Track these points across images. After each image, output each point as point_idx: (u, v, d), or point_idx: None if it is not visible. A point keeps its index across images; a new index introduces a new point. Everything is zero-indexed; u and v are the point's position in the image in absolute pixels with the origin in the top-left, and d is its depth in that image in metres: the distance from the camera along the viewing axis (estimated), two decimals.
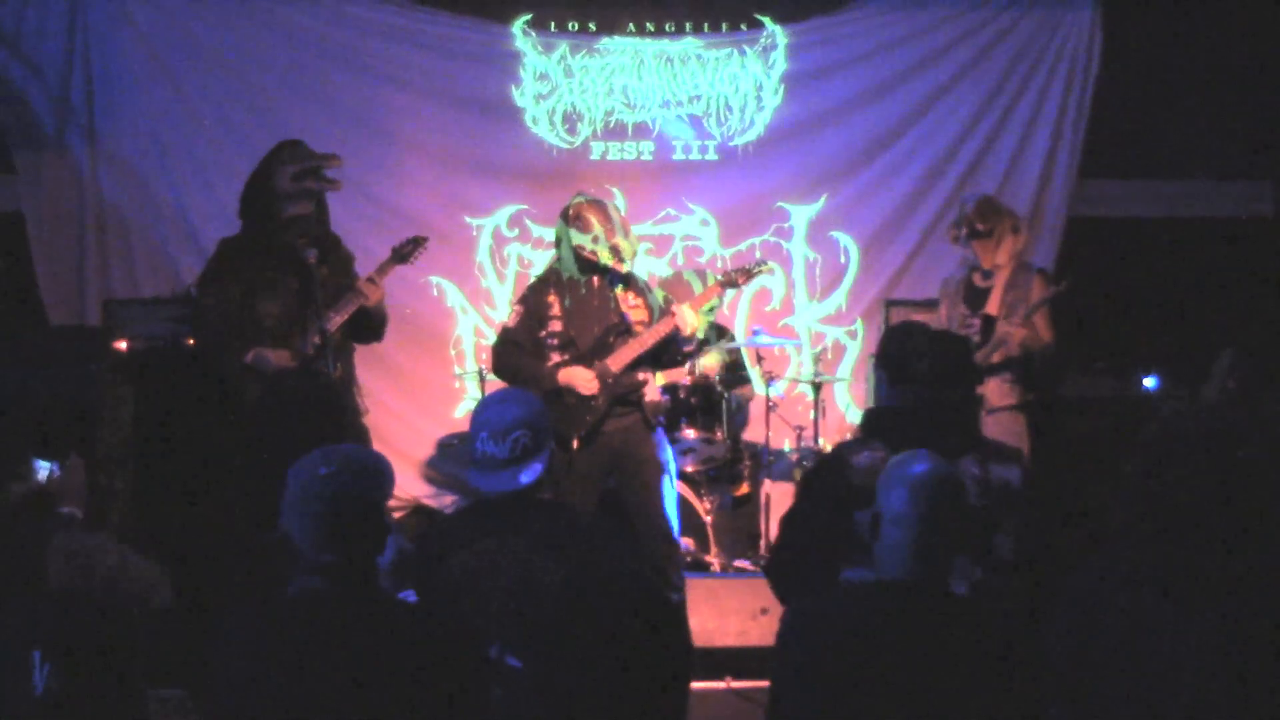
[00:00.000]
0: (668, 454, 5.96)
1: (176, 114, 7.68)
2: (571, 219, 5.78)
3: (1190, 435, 2.77)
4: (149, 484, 6.04)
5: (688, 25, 8.10)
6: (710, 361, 7.20)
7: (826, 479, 3.71)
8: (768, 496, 7.41)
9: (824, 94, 8.09)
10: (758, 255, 7.94)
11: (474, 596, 3.47)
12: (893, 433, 3.62)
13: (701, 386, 7.06)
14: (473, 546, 3.54)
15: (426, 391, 8.03)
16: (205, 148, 7.69)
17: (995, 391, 6.30)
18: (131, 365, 6.27)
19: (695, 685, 5.48)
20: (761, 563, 7.09)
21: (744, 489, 7.44)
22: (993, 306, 6.39)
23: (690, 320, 5.73)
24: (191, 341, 6.28)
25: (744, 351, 7.72)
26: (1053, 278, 6.58)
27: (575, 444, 5.70)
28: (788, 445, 7.66)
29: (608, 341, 5.76)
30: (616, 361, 5.72)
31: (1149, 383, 6.89)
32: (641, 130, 8.07)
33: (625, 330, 5.79)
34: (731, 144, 8.08)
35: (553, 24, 8.03)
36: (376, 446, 6.35)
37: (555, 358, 5.77)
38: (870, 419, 3.99)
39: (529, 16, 7.97)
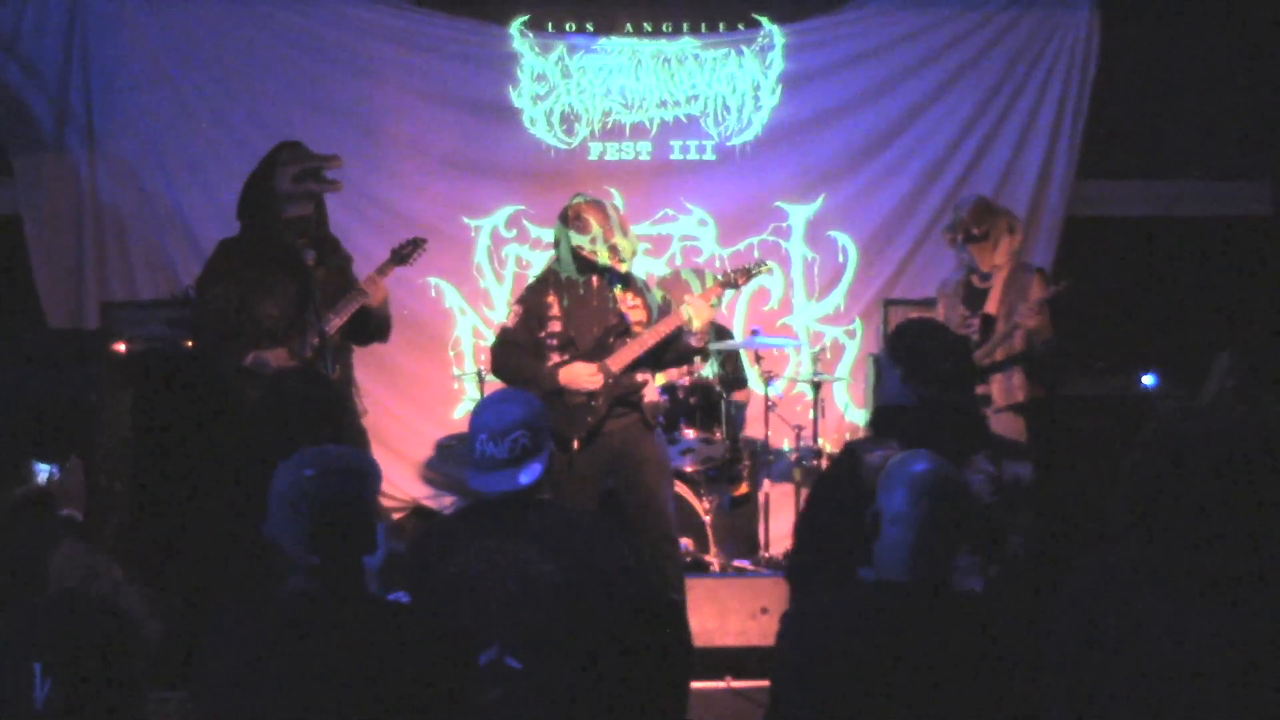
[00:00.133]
0: (667, 453, 5.98)
1: (174, 115, 7.68)
2: (570, 219, 5.78)
3: (1189, 435, 2.77)
4: (148, 485, 6.03)
5: (685, 25, 8.10)
6: (705, 373, 7.22)
7: (841, 478, 3.71)
8: (767, 496, 7.42)
9: (822, 94, 8.08)
10: (756, 255, 7.94)
11: (473, 597, 3.47)
12: (906, 431, 3.62)
13: (700, 387, 7.07)
14: (472, 547, 3.54)
15: (425, 392, 8.03)
16: (203, 149, 7.69)
17: (999, 390, 6.30)
18: (130, 367, 6.26)
19: (695, 685, 5.49)
20: (761, 562, 7.10)
21: (743, 489, 7.44)
22: (992, 306, 6.39)
23: (702, 313, 5.72)
24: (190, 343, 6.28)
25: (742, 351, 7.73)
26: (1051, 277, 6.58)
27: (576, 445, 5.70)
28: (787, 445, 7.66)
29: (607, 342, 5.76)
30: (617, 362, 5.71)
31: (1147, 382, 6.89)
32: (639, 130, 8.07)
33: (624, 331, 5.79)
34: (729, 144, 8.08)
35: (550, 25, 8.03)
36: (375, 447, 6.35)
37: (555, 358, 5.77)
38: (881, 417, 3.99)
39: (526, 17, 7.97)
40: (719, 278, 6.09)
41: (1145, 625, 2.68)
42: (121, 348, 6.29)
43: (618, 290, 5.81)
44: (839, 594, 3.13)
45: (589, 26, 8.07)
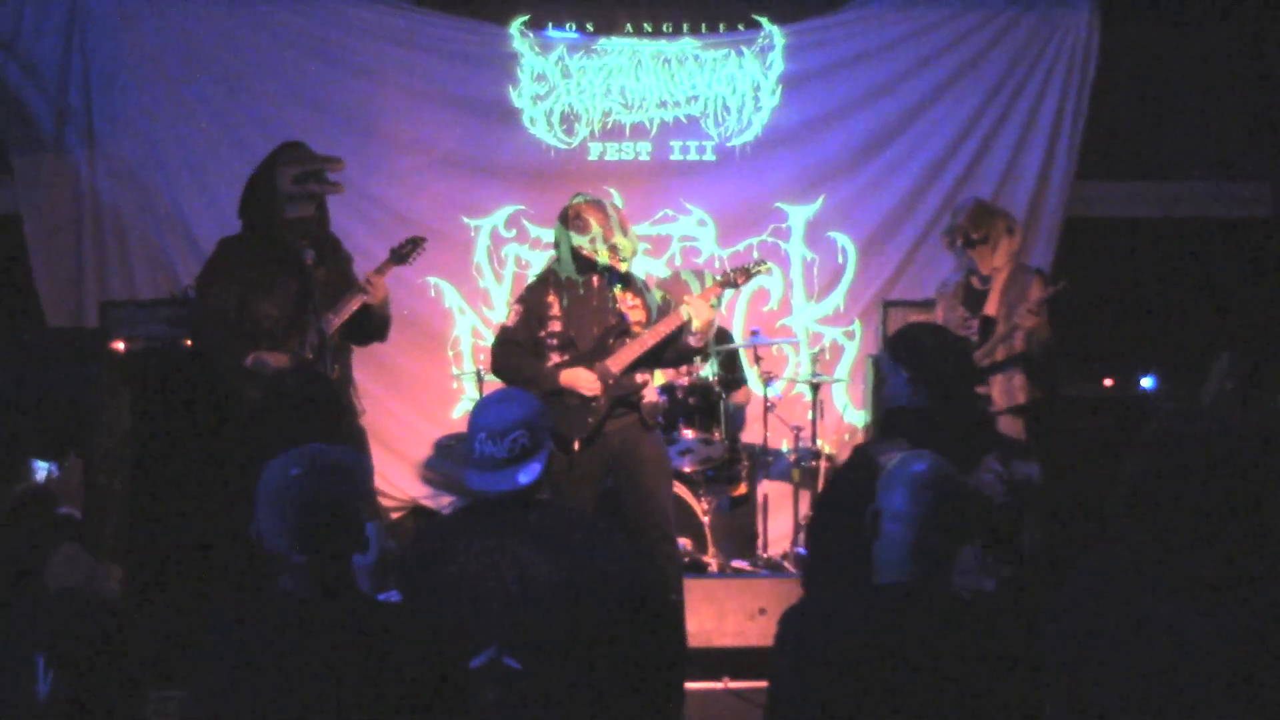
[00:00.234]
0: (667, 454, 5.98)
1: (174, 116, 7.68)
2: (571, 219, 5.78)
3: (1188, 436, 2.77)
4: (147, 484, 6.04)
5: (685, 26, 8.10)
6: (704, 374, 7.22)
7: (855, 481, 3.70)
8: (765, 497, 7.42)
9: (822, 95, 8.08)
10: (755, 255, 7.94)
11: (472, 597, 3.47)
12: (916, 433, 3.61)
13: (699, 387, 7.06)
14: (471, 547, 3.53)
15: (424, 392, 8.03)
16: (203, 149, 7.69)
17: (1000, 392, 6.31)
18: (129, 366, 6.26)
19: (693, 685, 5.51)
20: (759, 563, 7.11)
21: (742, 489, 7.44)
22: (991, 308, 6.39)
23: (702, 313, 5.72)
24: (189, 342, 6.28)
25: (741, 352, 7.73)
26: (1051, 278, 6.58)
27: (576, 446, 5.70)
28: (785, 445, 7.67)
29: (607, 343, 5.76)
30: (617, 363, 5.71)
31: (1147, 383, 6.90)
32: (639, 131, 8.07)
33: (624, 331, 5.79)
34: (729, 144, 8.08)
35: (550, 25, 8.03)
36: (374, 447, 6.36)
37: (555, 358, 5.77)
38: (892, 419, 3.98)
39: (526, 17, 7.97)
40: (718, 278, 6.09)
41: (1144, 626, 2.68)
42: (121, 347, 6.29)
43: (617, 290, 5.81)
44: (838, 594, 3.13)
45: (589, 27, 8.07)
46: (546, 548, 3.50)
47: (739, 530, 7.42)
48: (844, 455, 7.97)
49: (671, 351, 5.86)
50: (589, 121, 8.04)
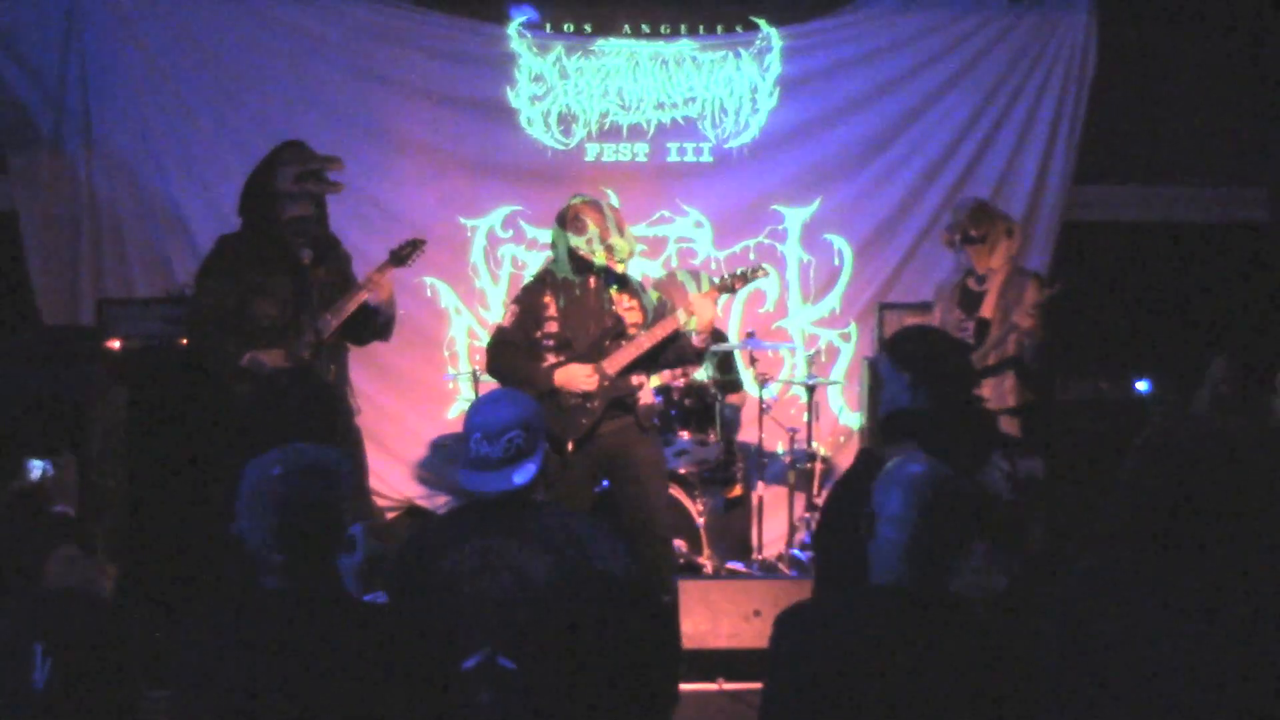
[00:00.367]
0: (662, 455, 5.99)
1: (172, 114, 7.67)
2: (569, 220, 5.78)
3: (1184, 440, 2.78)
4: (142, 483, 6.04)
5: (683, 27, 8.09)
6: (700, 376, 7.23)
7: (863, 484, 3.70)
8: (760, 499, 7.42)
9: (819, 97, 8.08)
10: (752, 258, 7.95)
11: (467, 597, 3.47)
12: (923, 435, 3.61)
13: (695, 389, 7.06)
14: (466, 547, 3.53)
15: (420, 392, 8.02)
16: (200, 148, 7.68)
17: (991, 395, 6.31)
18: (125, 365, 6.26)
19: (688, 687, 5.51)
20: (754, 564, 7.11)
21: (737, 491, 7.45)
22: (987, 310, 6.40)
23: (705, 313, 5.72)
24: (185, 341, 6.28)
25: (737, 354, 7.73)
26: (1048, 280, 6.59)
27: (570, 447, 5.70)
28: (781, 448, 7.68)
29: (603, 344, 5.76)
30: (612, 364, 5.72)
31: (1142, 387, 6.90)
32: (636, 132, 8.06)
33: (620, 333, 5.79)
34: (726, 146, 8.08)
35: (548, 25, 8.03)
36: (369, 447, 6.36)
37: (550, 359, 5.77)
38: (894, 422, 3.96)
39: (524, 18, 7.97)
40: (715, 281, 6.09)
41: (1138, 631, 2.69)
42: (117, 345, 6.29)
43: (613, 291, 5.82)
44: (832, 596, 3.13)
45: (587, 28, 8.07)
46: (541, 548, 3.50)
47: (734, 532, 7.42)
48: (839, 458, 7.99)
49: (673, 352, 5.86)
50: (586, 122, 8.03)
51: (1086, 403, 6.83)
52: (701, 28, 8.10)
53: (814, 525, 7.29)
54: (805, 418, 7.45)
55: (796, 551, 7.16)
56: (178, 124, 7.67)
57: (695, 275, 7.92)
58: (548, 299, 5.81)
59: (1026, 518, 3.68)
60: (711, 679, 5.78)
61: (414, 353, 7.87)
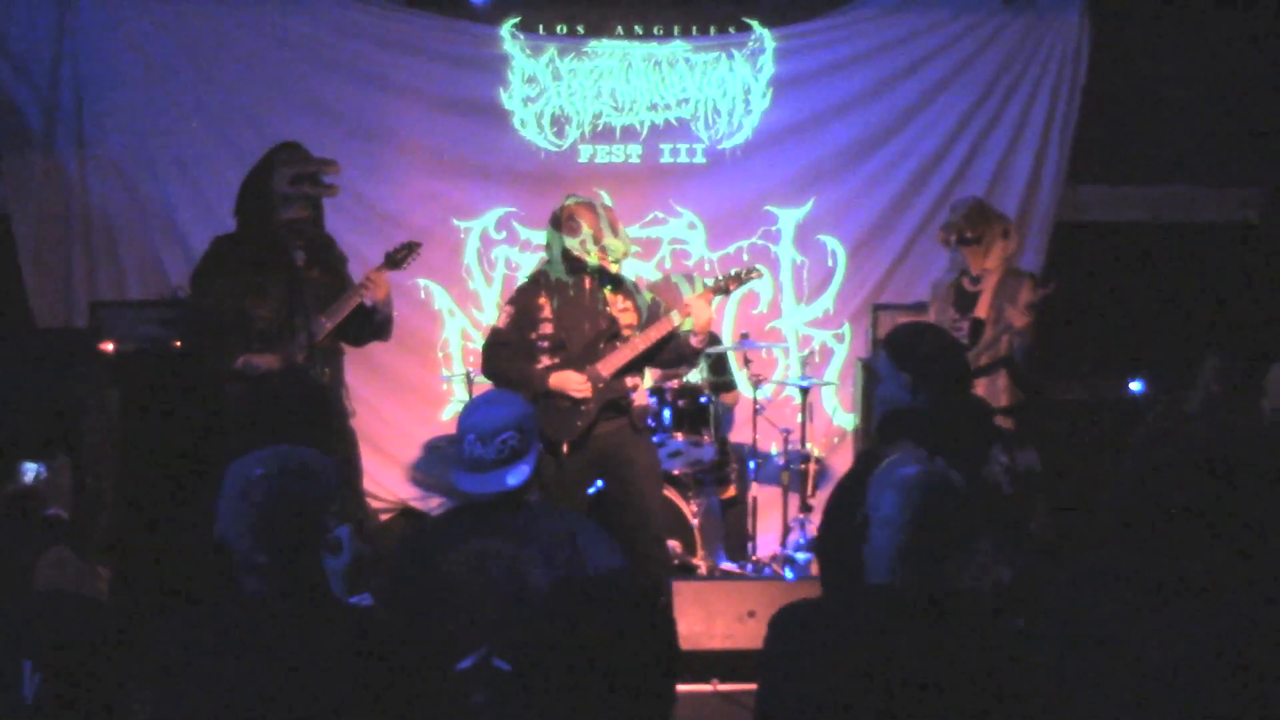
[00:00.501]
0: (657, 457, 5.98)
1: (165, 116, 7.65)
2: (563, 221, 5.78)
3: (1177, 439, 2.78)
4: (136, 486, 6.03)
5: (676, 28, 8.09)
6: (694, 377, 7.23)
7: (864, 484, 3.70)
8: (754, 500, 7.43)
9: (812, 98, 8.08)
10: (745, 259, 7.96)
11: (461, 599, 3.47)
12: (922, 434, 3.61)
13: (689, 390, 7.07)
14: (460, 549, 3.54)
15: (414, 394, 8.02)
16: (193, 150, 7.66)
17: (985, 395, 6.31)
18: (119, 367, 6.25)
19: (682, 688, 5.49)
20: (748, 565, 7.11)
21: (731, 492, 7.45)
22: (982, 310, 6.40)
23: (703, 312, 5.73)
24: (178, 344, 6.27)
25: (730, 355, 7.73)
26: (1042, 281, 6.59)
27: (565, 449, 5.70)
28: (775, 448, 7.68)
29: (598, 347, 5.76)
30: (607, 366, 5.72)
31: (1135, 387, 6.91)
32: (629, 133, 8.06)
33: (615, 334, 5.79)
34: (719, 147, 8.08)
35: (541, 27, 8.02)
36: (364, 449, 6.36)
37: (545, 360, 5.77)
38: (891, 423, 3.96)
39: (517, 19, 7.97)
40: (708, 283, 6.08)
41: (1133, 630, 2.69)
42: (110, 347, 6.28)
43: (608, 292, 5.81)
44: (827, 597, 3.14)
45: (580, 29, 8.07)
46: (536, 549, 3.51)
47: (728, 533, 7.43)
48: (833, 458, 8.00)
49: (671, 351, 5.86)
50: (579, 124, 8.03)
51: (1080, 403, 6.84)
52: (694, 29, 8.09)
53: (810, 527, 7.30)
54: (799, 418, 7.46)
55: (791, 552, 7.16)
56: (170, 126, 7.65)
57: (689, 278, 7.92)
58: (542, 300, 5.80)
59: (1028, 510, 3.68)
60: (706, 680, 5.78)
61: (408, 355, 7.87)
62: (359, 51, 7.83)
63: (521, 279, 6.26)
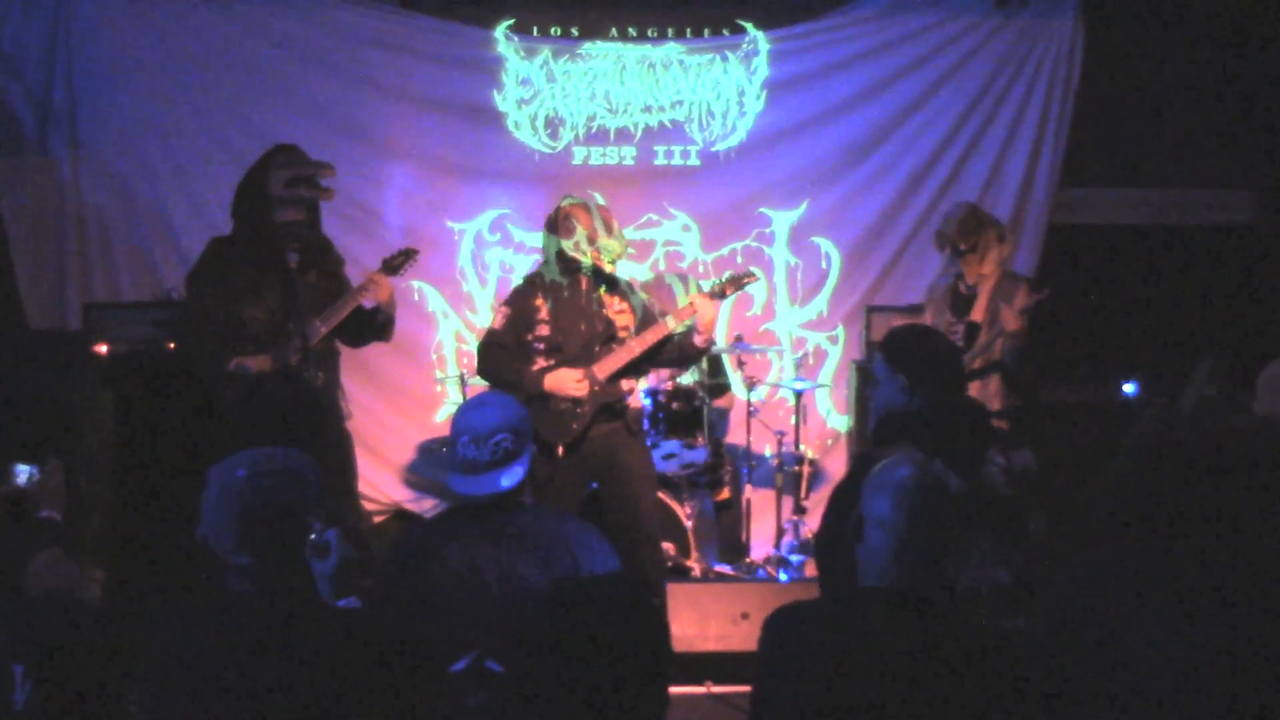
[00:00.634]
0: (651, 459, 5.99)
1: (158, 117, 7.63)
2: (559, 222, 5.78)
3: (1170, 442, 2.78)
4: (129, 488, 6.02)
5: (670, 31, 8.09)
6: (688, 379, 7.23)
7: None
8: (748, 502, 7.42)
9: (806, 100, 8.08)
10: (739, 260, 7.96)
11: (455, 600, 3.47)
12: (919, 435, 3.61)
13: (683, 392, 7.07)
14: (454, 550, 3.53)
15: (407, 396, 8.01)
16: (187, 151, 7.65)
17: (978, 398, 6.31)
18: (112, 369, 6.25)
19: (676, 690, 5.49)
20: (742, 567, 7.11)
21: (725, 494, 7.45)
22: (978, 314, 6.41)
23: (707, 313, 5.73)
24: (172, 345, 6.26)
25: (725, 357, 7.73)
26: (1037, 285, 6.59)
27: (560, 451, 5.70)
28: (768, 450, 7.68)
29: (594, 350, 5.75)
30: (603, 369, 5.71)
31: (1129, 389, 6.91)
32: (623, 135, 8.06)
33: (611, 337, 5.79)
34: (713, 149, 8.07)
35: (535, 29, 8.02)
36: (358, 450, 6.35)
37: (541, 362, 5.76)
38: (888, 425, 3.95)
39: (511, 21, 7.96)
40: (704, 286, 6.08)
41: (1127, 633, 2.69)
42: (103, 349, 6.27)
43: (603, 293, 5.81)
44: (822, 599, 3.13)
45: (574, 31, 8.06)
46: (529, 551, 3.51)
47: (722, 535, 7.43)
48: (827, 460, 8.00)
49: (674, 351, 5.86)
50: (573, 126, 8.02)
51: (1073, 405, 6.84)
52: (688, 31, 8.09)
53: (804, 529, 7.30)
54: (793, 420, 7.46)
55: (785, 554, 7.16)
56: (163, 126, 7.63)
57: (683, 279, 7.92)
58: (539, 301, 5.80)
59: (1025, 511, 3.69)
60: (700, 682, 5.78)
61: (401, 356, 7.85)
62: (353, 53, 7.81)
63: (516, 281, 6.25)
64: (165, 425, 6.03)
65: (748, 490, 7.42)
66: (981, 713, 2.76)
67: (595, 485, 6.00)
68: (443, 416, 7.95)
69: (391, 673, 2.83)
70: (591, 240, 5.70)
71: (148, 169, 7.64)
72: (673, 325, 5.73)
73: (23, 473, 3.89)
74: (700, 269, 8.03)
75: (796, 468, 7.46)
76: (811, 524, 7.29)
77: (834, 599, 3.06)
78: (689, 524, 6.94)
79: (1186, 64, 8.17)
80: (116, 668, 3.10)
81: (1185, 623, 2.65)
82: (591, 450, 5.75)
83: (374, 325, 6.00)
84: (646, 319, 5.85)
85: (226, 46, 7.69)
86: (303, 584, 2.92)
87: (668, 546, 6.66)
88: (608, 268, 5.73)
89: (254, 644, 2.77)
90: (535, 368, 5.75)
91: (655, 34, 8.08)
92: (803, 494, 7.47)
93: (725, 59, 8.05)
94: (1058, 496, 5.56)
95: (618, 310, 5.82)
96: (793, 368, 7.98)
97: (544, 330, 5.78)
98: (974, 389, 6.31)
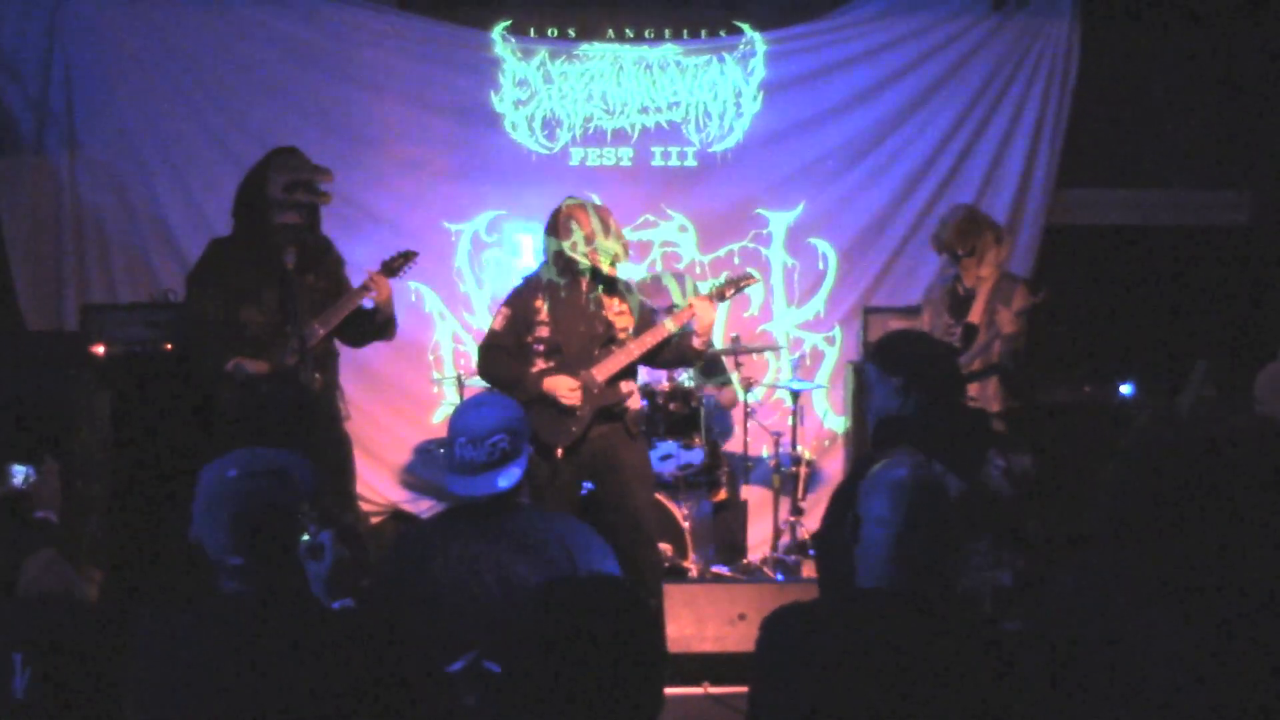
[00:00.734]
0: (649, 460, 5.98)
1: (155, 118, 7.63)
2: (559, 223, 5.77)
3: (1167, 443, 2.79)
4: (126, 489, 6.02)
5: (667, 32, 8.09)
6: (685, 380, 7.22)
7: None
8: (745, 503, 7.43)
9: (803, 101, 8.08)
10: (736, 261, 7.96)
11: (452, 601, 3.47)
12: (917, 439, 3.61)
13: (680, 393, 7.07)
14: (451, 551, 3.53)
15: (404, 397, 8.01)
16: (183, 153, 7.64)
17: (976, 400, 6.32)
18: (109, 370, 6.24)
19: (673, 691, 5.51)
20: (739, 568, 7.11)
21: (722, 495, 7.45)
22: (976, 315, 6.41)
23: (706, 314, 5.72)
24: (169, 346, 6.26)
25: (722, 357, 7.74)
26: (1034, 287, 6.59)
27: (559, 453, 5.69)
28: (765, 451, 7.68)
29: (593, 352, 5.75)
30: (602, 372, 5.71)
31: (1125, 390, 6.92)
32: (620, 136, 8.06)
33: (610, 339, 5.78)
34: (710, 150, 8.08)
35: (532, 30, 8.02)
36: (356, 452, 6.34)
37: (540, 364, 5.76)
38: (885, 428, 3.94)
39: (508, 22, 7.96)
40: (702, 288, 6.08)
41: (1125, 635, 2.69)
42: (100, 350, 6.27)
43: (602, 294, 5.81)
44: (819, 600, 3.13)
45: (571, 32, 8.06)
46: (526, 551, 3.51)
47: (719, 536, 7.43)
48: (824, 461, 8.00)
49: (673, 352, 5.86)
50: (570, 127, 8.02)
51: (1070, 406, 6.84)
52: (685, 32, 8.09)
53: (801, 530, 7.31)
54: (790, 421, 7.46)
55: (782, 555, 7.16)
56: (161, 128, 7.64)
57: (680, 278, 7.92)
58: (538, 303, 5.80)
59: (1026, 513, 3.68)
60: (697, 683, 5.78)
61: (398, 358, 7.84)
62: (350, 54, 7.81)
63: (518, 281, 6.25)
64: (162, 426, 6.03)
65: (745, 491, 7.42)
66: (980, 713, 2.76)
67: (591, 486, 6.00)
68: (440, 417, 7.95)
69: (388, 673, 2.83)
70: (590, 241, 5.70)
71: (145, 170, 7.63)
72: (671, 327, 5.73)
73: (19, 473, 3.88)
74: (697, 270, 8.03)
75: (793, 468, 7.46)
76: (809, 525, 7.30)
77: (832, 600, 3.05)
78: (686, 525, 6.93)
79: (1183, 65, 8.18)
80: (111, 667, 3.09)
81: (1185, 623, 2.65)
82: (590, 450, 5.75)
83: (374, 325, 6.00)
84: (644, 323, 5.84)
85: (224, 47, 7.69)
86: (297, 584, 2.92)
87: (665, 547, 6.66)
88: (606, 269, 5.73)
89: (248, 644, 2.76)
90: (535, 369, 5.75)
91: (652, 35, 8.08)
92: (800, 495, 7.47)
93: (722, 60, 8.05)
94: (1056, 497, 5.57)
95: (617, 312, 5.82)
96: (790, 368, 7.98)
97: (543, 332, 5.77)
98: (973, 391, 6.31)
